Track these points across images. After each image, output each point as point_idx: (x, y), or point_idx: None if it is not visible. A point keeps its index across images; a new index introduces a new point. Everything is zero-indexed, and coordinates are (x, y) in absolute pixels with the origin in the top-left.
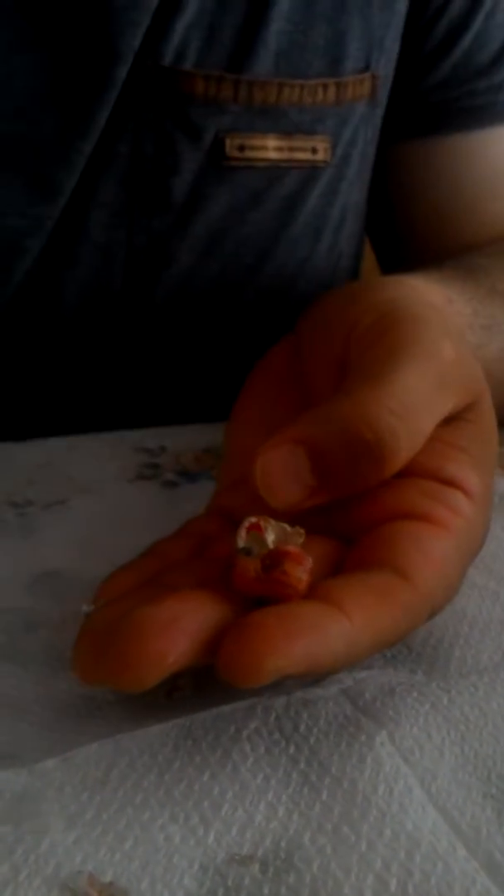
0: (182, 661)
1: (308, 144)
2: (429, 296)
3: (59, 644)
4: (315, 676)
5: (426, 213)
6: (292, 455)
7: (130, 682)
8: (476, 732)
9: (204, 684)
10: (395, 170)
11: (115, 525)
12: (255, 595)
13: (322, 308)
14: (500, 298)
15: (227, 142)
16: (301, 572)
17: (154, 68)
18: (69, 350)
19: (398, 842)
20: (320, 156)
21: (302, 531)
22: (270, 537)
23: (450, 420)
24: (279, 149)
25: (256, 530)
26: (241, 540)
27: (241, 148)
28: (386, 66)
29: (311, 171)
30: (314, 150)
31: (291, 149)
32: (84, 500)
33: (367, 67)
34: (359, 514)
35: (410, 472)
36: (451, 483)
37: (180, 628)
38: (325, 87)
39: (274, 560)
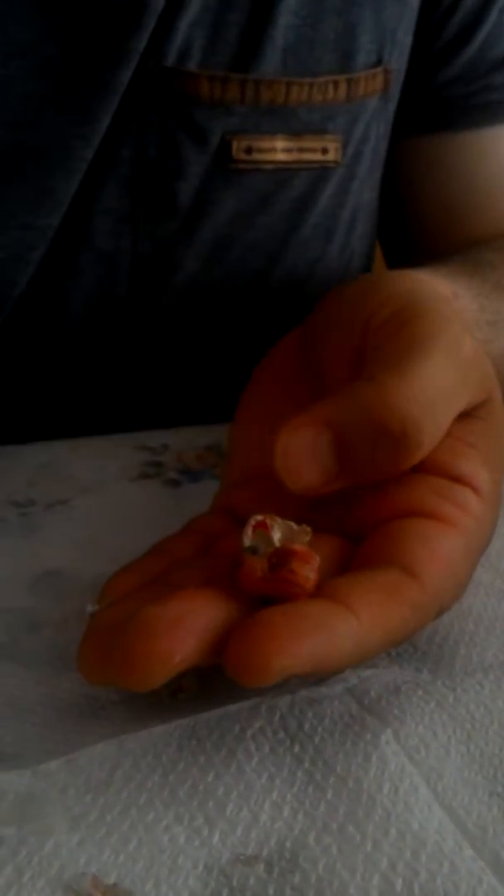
0: (189, 660)
1: (318, 144)
2: (437, 290)
3: (62, 644)
4: (322, 675)
5: (436, 208)
6: (315, 437)
7: (137, 682)
8: (482, 731)
9: (208, 685)
10: (405, 165)
11: (117, 524)
12: (261, 594)
13: (337, 300)
14: None
15: (234, 144)
16: (308, 571)
17: (157, 69)
18: (73, 355)
19: (404, 841)
20: (331, 156)
21: (308, 529)
22: (277, 535)
23: (462, 416)
24: (288, 150)
25: (262, 528)
26: (248, 538)
27: (249, 150)
28: (398, 59)
29: (322, 172)
30: (324, 151)
31: (301, 149)
32: (86, 499)
33: (379, 61)
34: (366, 511)
35: (421, 467)
36: (460, 480)
37: (187, 627)
38: (336, 83)
39: (281, 559)
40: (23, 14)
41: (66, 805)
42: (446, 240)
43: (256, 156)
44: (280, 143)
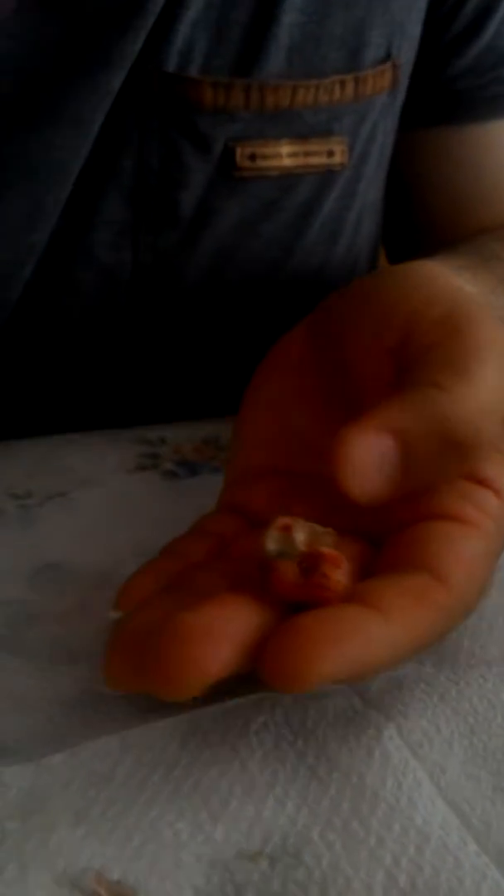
0: (226, 668)
1: (324, 148)
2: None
3: (62, 637)
4: (355, 681)
5: (443, 200)
6: (381, 444)
7: (172, 692)
8: (485, 725)
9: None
10: (410, 156)
11: (116, 516)
12: (294, 599)
13: (361, 293)
14: None
15: (238, 151)
16: (340, 575)
17: (157, 75)
18: (71, 360)
19: (408, 836)
20: (337, 159)
21: (332, 532)
22: (300, 538)
23: None
24: (293, 154)
25: (286, 531)
26: (272, 541)
27: (253, 157)
28: (408, 51)
29: (327, 176)
30: (330, 154)
31: (307, 153)
32: (84, 491)
33: (388, 56)
34: (389, 514)
35: None
36: (483, 482)
37: (222, 634)
38: (343, 83)
39: (310, 562)
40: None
41: (70, 800)
42: (453, 231)
43: (261, 163)
44: (285, 149)
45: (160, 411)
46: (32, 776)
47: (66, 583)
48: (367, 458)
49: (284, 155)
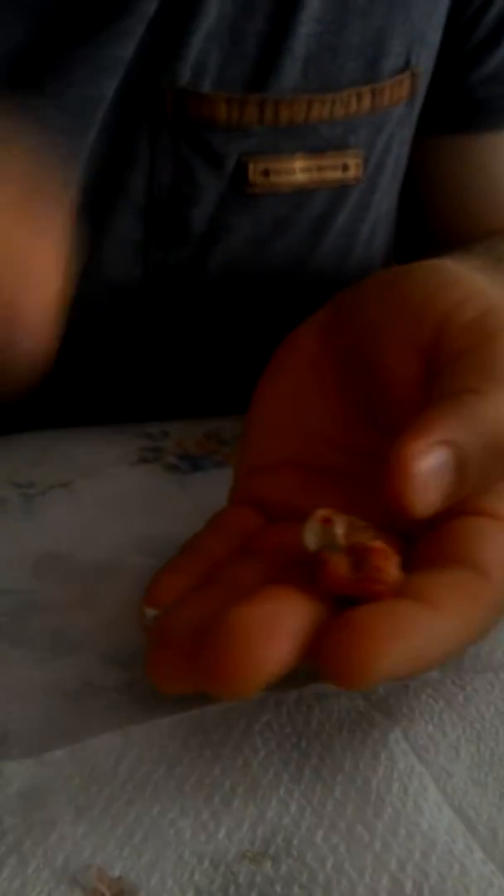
0: (286, 664)
1: (338, 162)
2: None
3: (64, 627)
4: (410, 676)
5: (457, 207)
6: (440, 457)
7: (234, 690)
8: (492, 731)
9: None
10: (426, 162)
11: (117, 508)
12: (346, 594)
13: (391, 290)
14: None
15: (251, 167)
16: (392, 567)
17: (169, 91)
18: (75, 364)
19: (413, 842)
20: (351, 173)
21: (371, 525)
22: (339, 531)
23: None
24: (307, 169)
25: (326, 524)
26: (312, 534)
27: (266, 173)
28: (427, 60)
29: (341, 190)
30: (345, 168)
31: (320, 168)
32: (87, 482)
33: (406, 65)
34: None
35: None
36: None
37: (282, 628)
38: (360, 95)
39: (358, 556)
40: None
41: (71, 796)
42: (464, 237)
43: (274, 178)
44: (299, 164)
45: (164, 414)
46: (34, 771)
47: (68, 572)
48: (431, 472)
49: (298, 170)
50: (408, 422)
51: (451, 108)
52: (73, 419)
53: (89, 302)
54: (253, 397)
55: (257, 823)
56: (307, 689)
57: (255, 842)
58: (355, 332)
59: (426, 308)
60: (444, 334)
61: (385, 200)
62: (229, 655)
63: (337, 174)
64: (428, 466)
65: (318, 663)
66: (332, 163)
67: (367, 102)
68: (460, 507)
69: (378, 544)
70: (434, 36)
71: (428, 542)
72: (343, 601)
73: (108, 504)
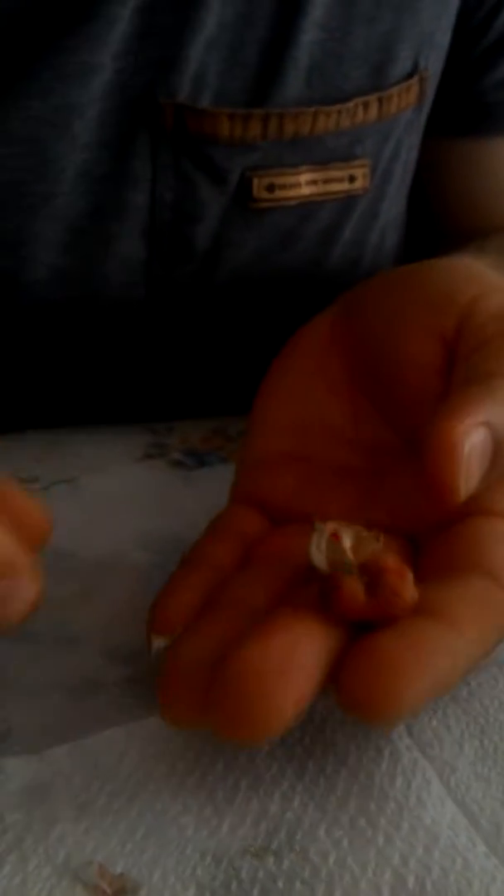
0: (304, 703)
1: (345, 173)
2: None
3: (66, 622)
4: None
5: (466, 208)
6: (481, 435)
7: (254, 735)
8: (496, 725)
9: None
10: (435, 164)
11: (121, 504)
12: (361, 619)
13: (411, 282)
14: None
15: (255, 182)
16: (409, 588)
17: (168, 105)
18: (78, 368)
19: (416, 836)
20: (359, 183)
21: (379, 533)
22: (347, 545)
23: None
24: (313, 182)
25: (334, 539)
26: (321, 551)
27: (271, 188)
28: (435, 62)
29: (348, 201)
30: (352, 179)
31: (326, 181)
32: (91, 478)
33: (415, 69)
34: (426, 510)
35: None
36: None
37: (297, 668)
38: (366, 104)
39: (371, 575)
40: None
41: (73, 792)
42: (477, 236)
43: (279, 193)
44: (304, 177)
45: (169, 417)
46: (35, 768)
47: (71, 568)
48: (475, 453)
49: (303, 183)
50: (438, 406)
51: (462, 112)
52: (78, 421)
53: (93, 318)
54: (258, 392)
55: (260, 818)
56: None
57: (257, 837)
58: (369, 323)
59: (453, 298)
60: (468, 324)
61: (394, 207)
62: (242, 699)
63: (343, 185)
64: (472, 446)
65: (337, 694)
66: (339, 174)
67: (373, 111)
68: (469, 506)
69: (391, 562)
70: (443, 37)
71: (438, 546)
72: (358, 622)
73: (111, 500)
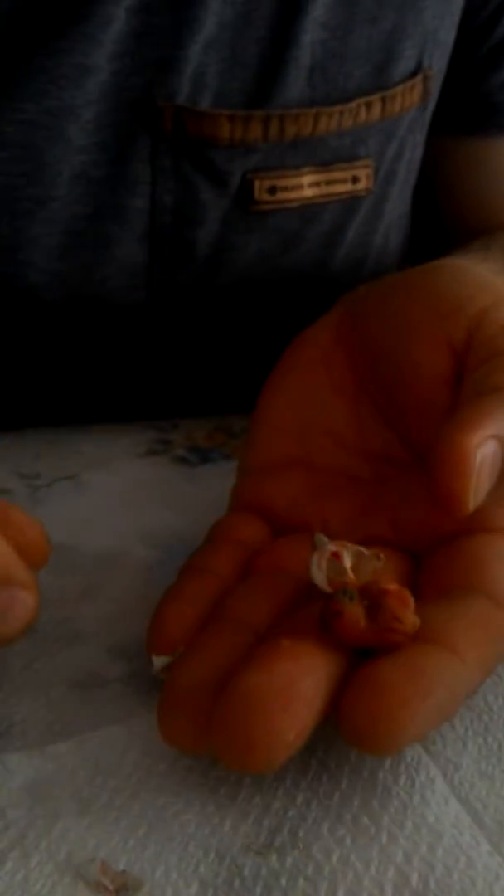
0: (307, 732)
1: (348, 174)
2: None
3: (67, 618)
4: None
5: (472, 207)
6: (492, 448)
7: (257, 765)
8: (500, 723)
9: None
10: (441, 163)
11: (124, 500)
12: (363, 646)
13: (420, 288)
14: None
15: (256, 184)
16: (410, 615)
17: (168, 107)
18: (79, 368)
19: (420, 834)
20: (362, 184)
21: (380, 554)
22: (348, 563)
23: None
24: (315, 184)
25: (335, 559)
26: (321, 570)
27: (272, 190)
28: (440, 60)
29: (351, 202)
30: (355, 180)
31: (329, 182)
32: (93, 474)
33: (418, 68)
34: (428, 523)
35: None
36: None
37: (299, 697)
38: (369, 104)
39: (372, 599)
40: None
41: (75, 788)
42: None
43: (280, 195)
44: (306, 178)
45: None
46: (38, 764)
47: (74, 564)
48: (486, 466)
49: (305, 185)
50: (449, 418)
51: (468, 111)
52: (80, 421)
53: (93, 321)
54: (260, 394)
55: (262, 816)
56: None
57: (260, 834)
58: (375, 327)
59: (463, 306)
60: (478, 335)
61: (398, 207)
62: (247, 730)
63: (347, 187)
64: (483, 459)
65: (338, 722)
66: (342, 176)
67: (377, 110)
68: (470, 522)
69: (395, 587)
70: (447, 35)
71: (439, 562)
72: (359, 648)
73: (114, 496)
